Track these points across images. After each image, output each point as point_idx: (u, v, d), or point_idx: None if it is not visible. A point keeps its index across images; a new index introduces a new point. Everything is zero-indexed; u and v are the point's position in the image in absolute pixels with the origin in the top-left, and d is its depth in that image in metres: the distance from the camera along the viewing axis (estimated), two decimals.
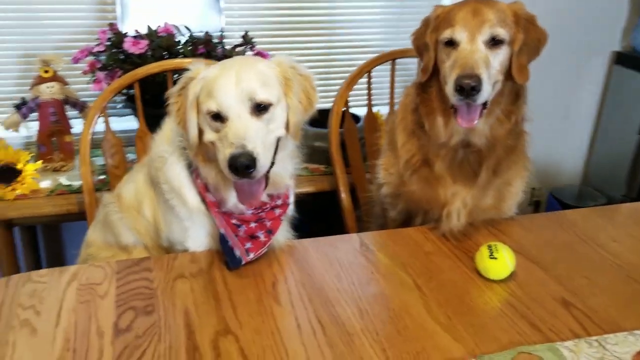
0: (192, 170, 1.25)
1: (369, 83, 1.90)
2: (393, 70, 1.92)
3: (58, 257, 2.49)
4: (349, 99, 1.86)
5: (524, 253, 1.31)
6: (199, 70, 1.18)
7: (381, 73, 2.34)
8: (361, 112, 2.03)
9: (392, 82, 1.94)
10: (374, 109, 1.99)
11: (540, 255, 1.31)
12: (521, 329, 1.05)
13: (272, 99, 1.13)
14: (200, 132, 1.17)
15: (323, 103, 1.98)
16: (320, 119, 1.85)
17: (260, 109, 1.12)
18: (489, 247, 1.20)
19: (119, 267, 1.23)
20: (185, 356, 0.97)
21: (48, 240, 2.42)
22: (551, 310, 1.11)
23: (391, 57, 1.89)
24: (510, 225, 1.44)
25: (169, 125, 1.33)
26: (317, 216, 2.26)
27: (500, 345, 1.01)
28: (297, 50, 2.44)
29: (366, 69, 1.85)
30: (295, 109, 1.19)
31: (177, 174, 1.27)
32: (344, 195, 1.81)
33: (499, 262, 1.18)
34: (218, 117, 1.12)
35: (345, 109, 1.85)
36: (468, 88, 1.17)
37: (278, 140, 1.18)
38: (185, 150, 1.25)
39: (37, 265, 2.33)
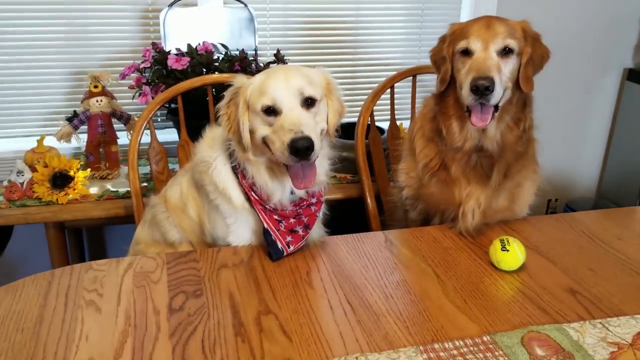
0: (237, 172, 1.40)
1: (392, 97, 2.04)
2: (414, 85, 2.07)
3: (101, 258, 2.64)
4: (374, 112, 2.00)
5: (534, 248, 1.43)
6: (243, 81, 1.34)
7: (402, 89, 2.49)
8: (384, 125, 2.16)
9: (414, 96, 2.08)
10: (397, 122, 2.12)
11: (549, 250, 1.43)
12: (531, 312, 1.17)
13: (317, 95, 1.29)
14: (251, 134, 1.32)
15: (348, 117, 2.12)
16: (347, 131, 2.00)
17: (308, 103, 1.28)
18: (502, 240, 1.32)
19: (169, 259, 1.38)
20: (233, 331, 1.11)
21: (92, 242, 2.58)
22: (558, 297, 1.23)
23: (412, 73, 2.03)
24: (522, 225, 1.56)
25: (210, 134, 1.48)
26: (345, 221, 2.39)
27: (512, 325, 1.13)
28: (325, 67, 2.58)
29: (389, 84, 1.99)
30: (335, 110, 1.37)
31: (223, 176, 1.41)
32: (370, 201, 1.94)
33: (510, 254, 1.30)
34: (271, 111, 1.27)
35: (370, 121, 1.99)
36: (482, 88, 1.32)
37: (321, 133, 1.32)
38: (231, 154, 1.39)
39: None
